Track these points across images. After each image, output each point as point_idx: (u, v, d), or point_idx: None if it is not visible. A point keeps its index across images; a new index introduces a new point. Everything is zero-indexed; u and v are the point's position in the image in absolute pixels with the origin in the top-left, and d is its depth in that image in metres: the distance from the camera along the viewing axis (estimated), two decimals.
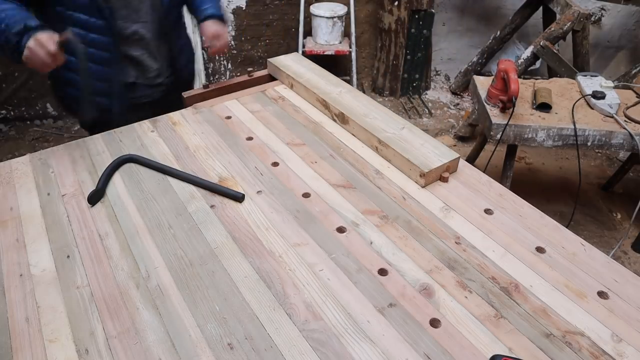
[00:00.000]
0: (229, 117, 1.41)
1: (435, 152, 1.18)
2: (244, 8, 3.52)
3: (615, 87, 2.22)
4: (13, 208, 1.08)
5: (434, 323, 0.83)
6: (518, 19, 3.46)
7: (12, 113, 3.41)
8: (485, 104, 2.18)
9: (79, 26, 1.39)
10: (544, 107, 2.12)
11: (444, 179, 1.16)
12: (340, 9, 3.40)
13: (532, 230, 1.03)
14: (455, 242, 1.00)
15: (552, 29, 2.97)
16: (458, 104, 3.84)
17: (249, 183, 1.16)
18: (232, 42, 3.71)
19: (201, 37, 1.89)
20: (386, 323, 0.83)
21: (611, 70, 3.92)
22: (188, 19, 2.00)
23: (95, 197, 1.09)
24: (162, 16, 1.54)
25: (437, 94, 3.96)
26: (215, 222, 1.04)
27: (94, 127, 1.36)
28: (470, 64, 3.79)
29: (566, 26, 2.91)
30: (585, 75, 2.32)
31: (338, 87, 1.47)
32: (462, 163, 1.22)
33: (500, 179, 2.32)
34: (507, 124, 2.02)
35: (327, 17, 3.35)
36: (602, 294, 0.89)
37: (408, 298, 0.88)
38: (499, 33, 3.57)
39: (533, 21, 3.57)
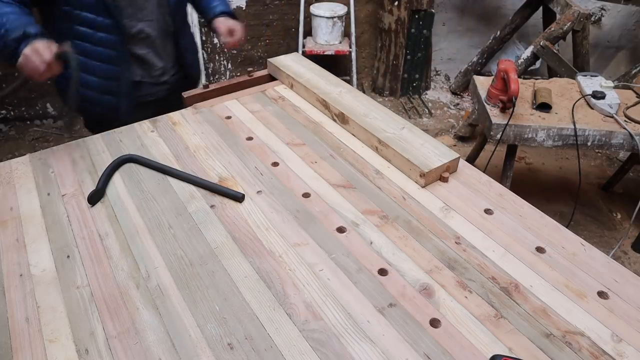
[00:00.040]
0: (229, 117, 1.41)
1: (435, 152, 1.18)
2: (244, 8, 3.52)
3: (615, 87, 2.22)
4: (13, 208, 1.08)
5: (434, 323, 0.83)
6: (518, 19, 3.46)
7: (12, 113, 3.41)
8: (485, 104, 2.18)
9: (86, 25, 1.40)
10: (544, 107, 2.12)
11: (444, 179, 1.16)
12: (340, 9, 3.40)
13: (532, 230, 1.03)
14: (455, 242, 1.00)
15: (552, 29, 2.97)
16: (458, 104, 3.84)
17: (249, 183, 1.16)
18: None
19: (208, 34, 1.90)
20: (386, 323, 0.83)
21: (611, 70, 3.93)
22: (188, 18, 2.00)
23: (95, 197, 1.09)
24: (168, 14, 1.56)
25: (437, 94, 3.96)
26: (215, 222, 1.04)
27: (100, 126, 1.36)
28: (470, 64, 3.79)
29: (566, 26, 2.91)
30: (585, 75, 2.32)
31: (338, 87, 1.47)
32: (462, 163, 1.22)
33: (500, 179, 2.32)
34: (507, 124, 2.02)
35: (327, 17, 3.35)
36: (602, 294, 0.89)
37: (408, 298, 0.88)
38: (499, 33, 3.57)
39: (533, 21, 3.57)
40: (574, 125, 2.03)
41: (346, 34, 3.58)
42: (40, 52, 1.12)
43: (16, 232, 1.02)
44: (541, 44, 2.99)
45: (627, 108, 2.12)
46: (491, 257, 0.96)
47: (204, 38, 3.59)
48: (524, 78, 2.56)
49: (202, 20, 3.46)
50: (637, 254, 2.52)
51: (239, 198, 1.10)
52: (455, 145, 3.38)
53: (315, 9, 3.38)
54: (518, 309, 0.86)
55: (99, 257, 0.96)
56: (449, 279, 0.91)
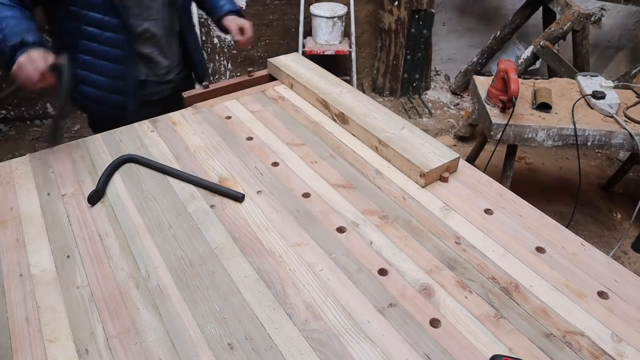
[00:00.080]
0: (229, 117, 1.41)
1: (435, 152, 1.18)
2: (244, 8, 3.52)
3: (615, 87, 2.22)
4: (13, 208, 1.08)
5: (434, 323, 0.83)
6: (518, 19, 3.46)
7: (12, 113, 3.41)
8: (485, 104, 2.18)
9: (93, 25, 1.41)
10: (544, 107, 2.12)
11: (444, 179, 1.16)
12: (340, 9, 3.40)
13: (532, 230, 1.03)
14: (455, 242, 1.00)
15: (552, 29, 2.97)
16: (458, 104, 3.84)
17: (249, 183, 1.16)
18: (232, 42, 3.71)
19: (208, 33, 1.92)
20: (386, 323, 0.83)
21: (611, 70, 3.92)
22: None
23: (95, 197, 1.09)
24: (174, 14, 1.57)
25: (437, 94, 3.96)
26: (215, 222, 1.04)
27: (105, 125, 1.37)
28: (470, 64, 3.79)
29: (566, 26, 2.91)
30: (585, 75, 2.32)
31: (338, 87, 1.47)
32: (462, 163, 1.22)
33: (500, 179, 2.32)
34: (507, 124, 2.02)
35: (327, 17, 3.35)
36: (602, 294, 0.89)
37: (408, 298, 0.88)
38: (499, 33, 3.57)
39: (533, 21, 3.57)
40: (574, 125, 2.02)
41: (346, 34, 3.58)
42: (35, 61, 1.13)
43: (16, 232, 1.02)
44: (541, 44, 2.99)
45: (627, 108, 2.12)
46: (491, 257, 0.96)
47: (204, 38, 3.59)
48: (524, 78, 2.56)
49: (205, 19, 3.50)
50: (637, 254, 2.52)
51: (239, 198, 1.10)
52: (455, 145, 3.38)
53: (315, 9, 3.38)
54: (518, 309, 0.86)
55: (99, 257, 0.96)
56: (449, 279, 0.91)
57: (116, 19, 1.41)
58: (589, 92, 2.16)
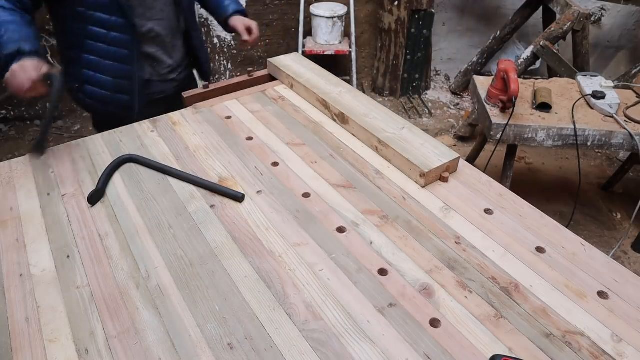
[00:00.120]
0: (229, 117, 1.41)
1: (435, 152, 1.18)
2: None
3: (615, 87, 2.22)
4: (13, 208, 1.08)
5: (434, 323, 0.83)
6: (518, 19, 3.46)
7: (12, 113, 3.41)
8: (485, 104, 2.18)
9: (99, 25, 1.43)
10: (544, 107, 2.12)
11: (444, 179, 1.16)
12: (340, 9, 3.40)
13: (532, 230, 1.03)
14: (455, 242, 1.00)
15: (552, 29, 2.97)
16: (458, 104, 3.84)
17: (249, 183, 1.16)
18: (232, 42, 3.71)
19: (208, 33, 1.95)
20: (386, 323, 0.83)
21: (611, 70, 3.92)
22: None
23: (95, 197, 1.09)
24: (179, 13, 1.59)
25: (437, 94, 3.96)
26: (215, 222, 1.04)
27: (109, 125, 1.37)
28: (470, 64, 3.79)
29: (566, 26, 2.91)
30: (585, 75, 2.32)
31: (338, 87, 1.47)
32: (462, 163, 1.22)
33: (500, 179, 2.32)
34: (507, 124, 2.02)
35: (327, 17, 3.35)
36: (602, 294, 0.89)
37: (408, 298, 0.88)
38: (499, 33, 3.57)
39: (533, 21, 3.57)
40: (574, 125, 2.02)
41: (346, 34, 3.58)
42: (27, 70, 1.13)
43: (16, 232, 1.02)
44: (541, 44, 2.99)
45: (627, 108, 2.12)
46: (491, 257, 0.96)
47: (204, 38, 3.59)
48: (524, 78, 2.56)
49: (205, 19, 3.50)
50: (637, 254, 2.52)
51: (239, 198, 1.10)
52: (455, 145, 3.38)
53: (315, 9, 3.38)
54: (518, 309, 0.86)
55: (99, 257, 0.96)
56: (449, 279, 0.91)
57: (122, 19, 1.42)
58: (589, 92, 2.16)
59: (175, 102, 1.57)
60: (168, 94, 1.68)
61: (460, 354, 0.78)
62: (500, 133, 2.04)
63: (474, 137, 3.35)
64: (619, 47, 3.91)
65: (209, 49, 3.66)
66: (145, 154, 1.24)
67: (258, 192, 1.13)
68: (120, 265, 0.94)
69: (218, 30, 3.59)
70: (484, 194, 1.13)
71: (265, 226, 1.03)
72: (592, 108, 2.14)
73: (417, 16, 3.52)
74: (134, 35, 1.46)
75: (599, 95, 2.11)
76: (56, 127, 3.43)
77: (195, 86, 1.80)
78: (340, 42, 3.53)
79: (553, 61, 3.00)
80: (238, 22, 1.68)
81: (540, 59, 3.15)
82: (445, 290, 0.89)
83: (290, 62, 1.61)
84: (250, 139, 1.32)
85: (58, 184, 1.15)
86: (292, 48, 3.75)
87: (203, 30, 3.54)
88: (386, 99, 3.89)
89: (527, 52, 3.09)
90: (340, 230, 1.02)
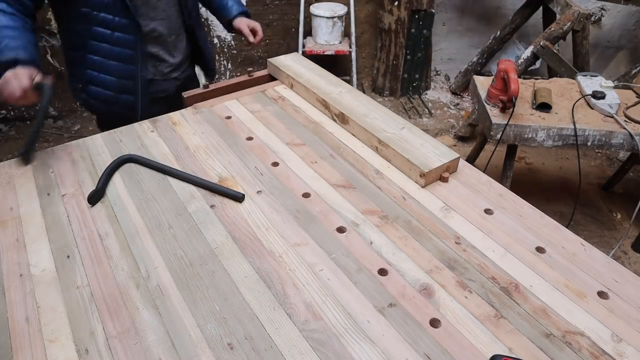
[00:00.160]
0: (229, 117, 1.41)
1: (435, 152, 1.18)
2: None
3: (615, 87, 2.22)
4: (13, 208, 1.08)
5: (434, 323, 0.83)
6: (518, 19, 3.46)
7: (12, 113, 3.41)
8: (485, 104, 2.18)
9: (104, 26, 1.43)
10: (544, 107, 2.12)
11: (444, 179, 1.16)
12: (340, 9, 3.40)
13: (532, 230, 1.03)
14: (455, 242, 1.00)
15: (552, 29, 2.97)
16: (458, 104, 3.84)
17: (249, 183, 1.16)
18: (232, 42, 3.71)
19: (207, 33, 1.97)
20: (386, 323, 0.83)
21: (611, 70, 3.92)
22: None
23: (95, 197, 1.09)
24: (181, 12, 1.59)
25: (437, 94, 3.96)
26: (215, 222, 1.04)
27: (113, 125, 1.37)
28: (470, 64, 3.79)
29: (566, 26, 2.91)
30: (585, 75, 2.32)
31: (338, 87, 1.47)
32: (462, 163, 1.22)
33: (500, 179, 2.32)
34: (507, 124, 2.02)
35: (327, 17, 3.35)
36: (602, 294, 0.89)
37: (408, 298, 0.88)
38: (499, 33, 3.57)
39: (533, 21, 3.57)
40: (574, 125, 2.02)
41: (346, 34, 3.58)
42: (20, 78, 1.12)
43: (16, 232, 1.02)
44: (541, 44, 2.99)
45: (627, 108, 2.12)
46: (491, 257, 0.96)
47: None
48: (524, 78, 2.56)
49: (205, 19, 3.50)
50: (637, 254, 2.52)
51: (239, 198, 1.10)
52: (455, 145, 3.38)
53: (315, 9, 3.38)
54: (518, 309, 0.86)
55: (99, 257, 0.96)
56: (449, 279, 0.91)
57: (126, 19, 1.43)
58: (589, 92, 2.16)
59: (176, 101, 1.57)
60: (170, 93, 1.68)
61: (460, 354, 0.78)
62: (500, 133, 2.04)
63: (474, 137, 3.35)
64: (619, 47, 3.91)
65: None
66: (145, 154, 1.24)
67: (258, 192, 1.13)
68: (120, 265, 0.94)
69: (218, 30, 3.59)
70: (484, 194, 1.13)
71: (265, 226, 1.03)
72: (592, 108, 2.14)
73: (417, 16, 3.52)
74: (138, 36, 1.47)
75: (599, 95, 2.11)
76: (56, 127, 3.44)
77: (197, 85, 1.80)
78: (340, 42, 3.53)
79: (553, 61, 3.00)
80: (242, 24, 1.70)
81: (540, 59, 3.15)
82: (445, 290, 0.89)
83: (290, 62, 1.61)
84: (250, 139, 1.32)
85: (58, 184, 1.15)
86: (292, 48, 3.75)
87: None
88: (386, 99, 3.89)
89: (527, 52, 3.09)
90: (340, 230, 1.02)
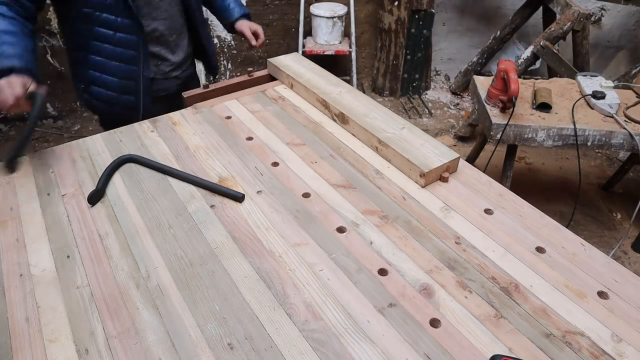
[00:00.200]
0: (229, 117, 1.41)
1: (435, 152, 1.18)
2: None
3: (615, 87, 2.22)
4: (13, 208, 1.08)
5: (434, 323, 0.83)
6: (518, 19, 3.46)
7: (12, 113, 3.40)
8: (485, 104, 2.18)
9: (106, 26, 1.43)
10: (544, 107, 2.12)
11: (444, 179, 1.16)
12: (340, 9, 3.40)
13: (532, 230, 1.03)
14: (455, 242, 1.00)
15: (552, 29, 2.97)
16: (458, 104, 3.84)
17: (249, 183, 1.16)
18: (232, 42, 3.71)
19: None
20: (386, 323, 0.83)
21: (611, 70, 3.92)
22: None
23: (95, 197, 1.09)
24: (183, 12, 1.60)
25: (437, 94, 3.96)
26: (215, 222, 1.04)
27: (115, 125, 1.37)
28: (470, 64, 3.79)
29: (566, 26, 2.91)
30: (585, 75, 2.32)
31: (338, 87, 1.47)
32: (462, 163, 1.22)
33: (500, 179, 2.32)
34: (507, 124, 2.02)
35: (327, 17, 3.35)
36: (602, 294, 0.89)
37: (408, 298, 0.88)
38: (499, 33, 3.57)
39: (533, 21, 3.57)
40: (574, 125, 2.02)
41: (346, 34, 3.58)
42: (13, 86, 1.12)
43: (16, 232, 1.02)
44: (541, 44, 2.99)
45: (627, 108, 2.12)
46: (491, 257, 0.96)
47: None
48: (524, 78, 2.56)
49: (204, 19, 3.50)
50: (637, 254, 2.52)
51: (239, 198, 1.10)
52: (455, 145, 3.38)
53: (315, 9, 3.38)
54: (518, 309, 0.86)
55: (99, 257, 0.96)
56: (449, 279, 0.91)
57: (128, 19, 1.43)
58: (589, 92, 2.16)
59: (177, 100, 1.57)
60: (171, 92, 1.68)
61: (460, 354, 0.78)
62: (500, 133, 2.04)
63: (474, 137, 3.35)
64: (619, 47, 3.91)
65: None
66: (145, 154, 1.24)
67: (258, 192, 1.13)
68: (120, 265, 0.94)
69: (218, 30, 3.59)
70: (484, 194, 1.13)
71: (265, 226, 1.03)
72: (592, 108, 2.14)
73: (417, 16, 3.52)
74: (140, 36, 1.47)
75: (599, 95, 2.11)
76: (56, 127, 3.44)
77: (198, 83, 1.80)
78: (340, 42, 3.53)
79: (553, 61, 3.00)
80: (244, 26, 1.71)
81: (540, 59, 3.15)
82: (445, 290, 0.89)
83: (290, 62, 1.61)
84: (250, 139, 1.32)
85: (58, 184, 1.15)
86: (292, 48, 3.75)
87: None
88: (386, 99, 3.89)
89: (527, 52, 3.09)
90: (340, 230, 1.02)
